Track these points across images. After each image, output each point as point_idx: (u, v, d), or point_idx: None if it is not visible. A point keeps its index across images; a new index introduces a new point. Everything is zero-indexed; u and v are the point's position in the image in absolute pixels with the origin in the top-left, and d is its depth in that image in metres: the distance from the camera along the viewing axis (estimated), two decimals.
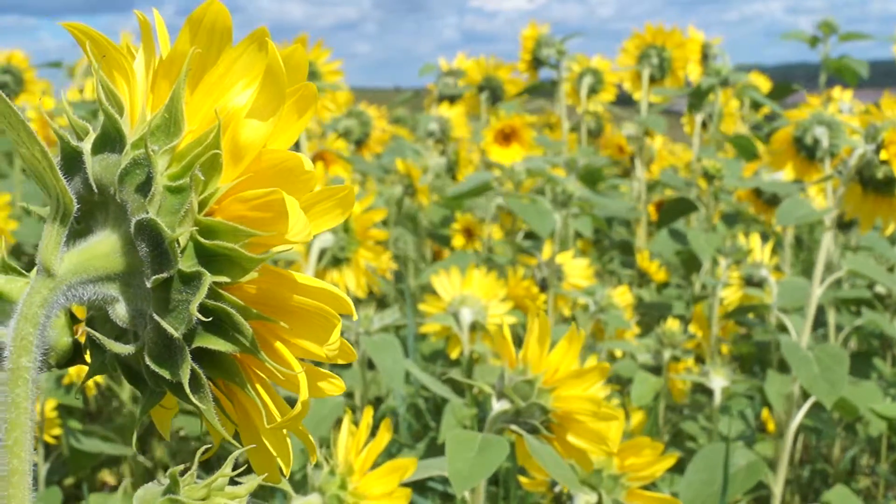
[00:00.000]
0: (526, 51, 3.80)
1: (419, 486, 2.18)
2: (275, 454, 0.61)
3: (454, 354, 2.47)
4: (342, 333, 1.68)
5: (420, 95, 4.92)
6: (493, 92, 4.08)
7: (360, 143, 3.52)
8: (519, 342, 1.27)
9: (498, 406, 1.26)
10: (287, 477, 1.51)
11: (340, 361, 0.59)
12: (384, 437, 1.19)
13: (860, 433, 2.50)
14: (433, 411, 2.56)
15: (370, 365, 2.32)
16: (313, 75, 2.82)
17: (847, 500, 2.03)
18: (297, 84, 0.55)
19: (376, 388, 2.49)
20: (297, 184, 0.54)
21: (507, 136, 3.42)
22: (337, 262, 2.25)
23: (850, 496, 2.04)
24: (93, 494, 2.19)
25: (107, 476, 2.61)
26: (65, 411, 2.29)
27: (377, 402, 2.52)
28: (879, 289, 2.60)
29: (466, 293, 2.45)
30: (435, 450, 2.19)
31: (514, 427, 1.25)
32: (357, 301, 2.73)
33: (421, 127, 3.76)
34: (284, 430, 0.60)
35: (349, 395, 2.39)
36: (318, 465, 1.20)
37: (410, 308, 2.74)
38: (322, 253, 2.20)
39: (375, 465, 1.20)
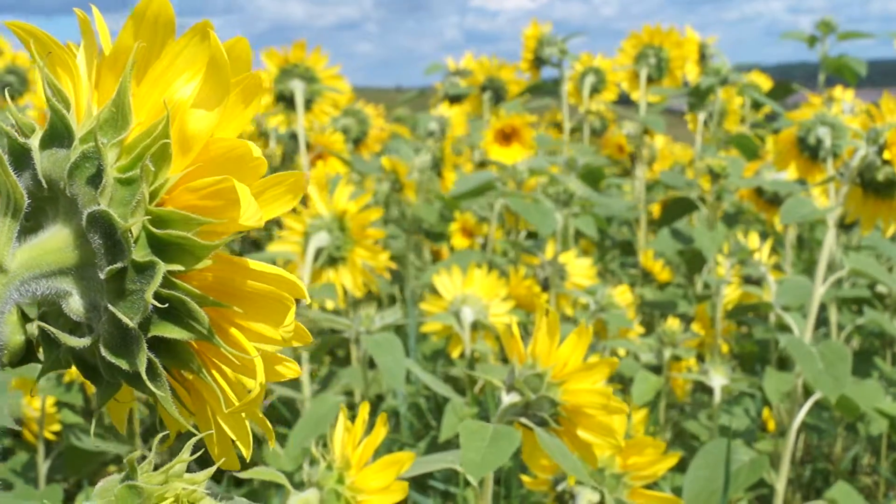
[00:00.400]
0: (528, 50, 3.81)
1: (420, 485, 2.18)
2: (235, 439, 0.61)
3: (455, 354, 2.47)
4: (342, 332, 1.68)
5: (425, 94, 4.93)
6: (495, 92, 4.08)
7: (357, 142, 3.53)
8: (524, 341, 1.28)
9: (507, 399, 1.28)
10: (291, 472, 1.51)
11: (296, 343, 0.60)
12: (381, 431, 1.19)
13: (861, 432, 2.49)
14: (434, 410, 2.56)
15: (371, 364, 2.32)
16: (313, 80, 2.83)
17: (850, 498, 2.03)
18: (241, 74, 0.56)
19: (377, 387, 2.49)
20: (247, 171, 0.54)
21: (507, 136, 3.42)
22: (333, 261, 2.25)
23: (853, 494, 2.04)
24: (90, 489, 2.19)
25: (112, 473, 2.61)
26: (64, 408, 2.29)
27: (378, 401, 2.52)
28: (880, 288, 2.60)
29: (468, 292, 2.45)
30: (436, 448, 2.18)
31: (523, 420, 1.26)
32: (357, 300, 2.72)
33: (421, 126, 3.76)
34: (243, 415, 0.61)
35: (349, 394, 2.39)
36: (313, 462, 1.21)
37: (411, 307, 2.74)
38: (318, 253, 2.20)
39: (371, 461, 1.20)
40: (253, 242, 3.20)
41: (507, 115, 3.43)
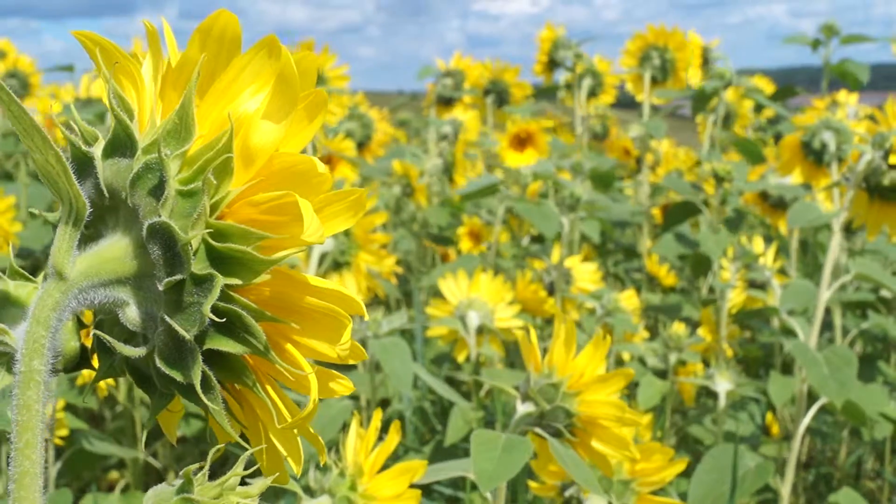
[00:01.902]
0: (543, 52, 3.81)
1: (426, 490, 2.19)
2: (285, 454, 0.61)
3: (461, 358, 2.48)
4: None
5: (418, 98, 4.92)
6: (499, 95, 4.08)
7: (361, 146, 3.52)
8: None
9: (522, 408, 1.27)
10: (299, 477, 1.52)
11: (352, 361, 0.60)
12: (394, 439, 1.19)
13: (865, 436, 2.50)
14: (439, 415, 2.56)
15: (377, 368, 2.32)
16: (320, 80, 2.82)
17: (854, 503, 2.03)
18: (307, 89, 0.56)
19: (383, 391, 2.49)
20: (310, 186, 0.54)
21: (522, 141, 3.42)
22: (338, 266, 2.25)
23: (858, 498, 2.04)
24: (94, 494, 2.20)
25: (116, 477, 2.62)
26: (71, 412, 2.29)
27: (384, 405, 2.52)
28: (884, 292, 2.60)
29: (473, 297, 2.45)
30: (441, 453, 2.19)
31: (537, 430, 1.26)
32: (364, 304, 2.73)
33: (433, 129, 3.76)
34: (295, 431, 0.61)
35: (354, 397, 2.40)
36: (324, 468, 1.21)
37: (418, 311, 2.75)
38: (322, 257, 2.21)
39: (382, 468, 1.20)
40: None
41: (522, 120, 3.43)
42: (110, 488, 2.57)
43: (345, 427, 1.85)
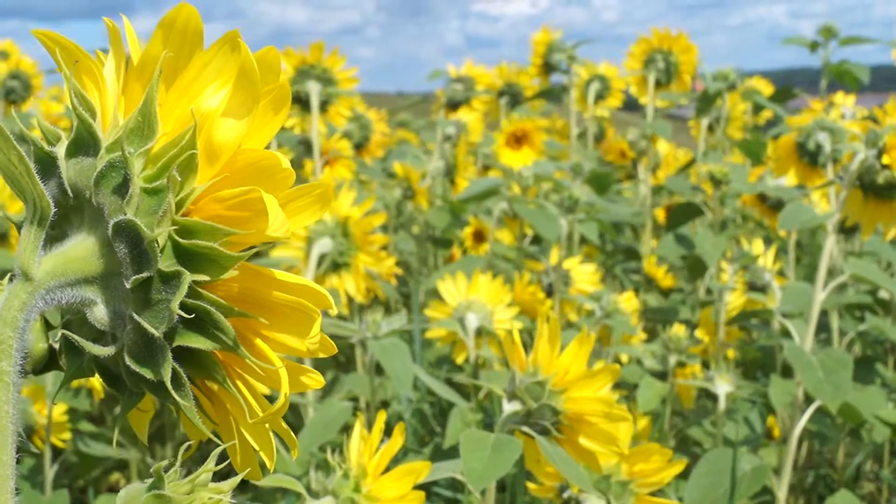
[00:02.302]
0: (537, 55, 3.82)
1: (425, 491, 2.19)
2: (258, 449, 0.62)
3: (460, 360, 2.48)
4: (350, 337, 1.68)
5: (427, 100, 4.95)
6: (513, 97, 4.09)
7: (359, 147, 3.52)
8: (526, 348, 1.28)
9: (509, 407, 1.28)
10: (301, 477, 1.52)
11: (321, 355, 0.60)
12: (398, 440, 1.20)
13: (864, 439, 2.49)
14: (438, 416, 2.56)
15: (377, 369, 2.33)
16: (330, 82, 2.83)
17: None
18: (271, 84, 0.56)
19: (382, 393, 2.50)
20: (275, 182, 0.54)
21: (518, 140, 3.42)
22: (336, 267, 2.26)
23: (856, 501, 2.03)
24: (101, 496, 2.21)
25: (116, 479, 2.63)
26: (72, 414, 2.30)
27: (383, 407, 2.53)
28: (882, 294, 2.60)
29: (472, 298, 2.46)
30: (440, 454, 2.19)
31: (524, 428, 1.27)
32: (363, 306, 2.73)
33: (437, 130, 3.76)
34: (267, 425, 0.61)
35: (354, 399, 2.40)
36: (328, 470, 1.21)
37: (417, 313, 2.75)
38: (321, 258, 2.21)
39: (385, 469, 1.21)
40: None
41: (518, 120, 3.44)
42: (111, 490, 2.58)
43: (345, 428, 1.86)
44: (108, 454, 2.17)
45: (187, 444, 0.62)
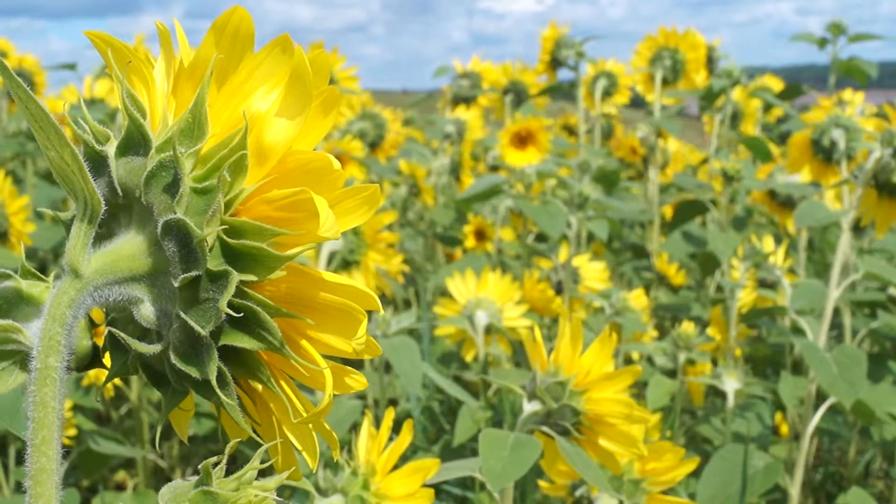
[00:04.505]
0: (545, 52, 3.81)
1: (434, 490, 2.18)
2: (301, 449, 0.61)
3: (469, 357, 2.48)
4: None
5: (433, 97, 4.94)
6: (518, 95, 4.09)
7: (374, 146, 3.52)
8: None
9: (529, 407, 1.27)
10: (310, 476, 1.53)
11: (367, 356, 0.60)
12: (406, 438, 1.19)
13: (875, 436, 2.49)
14: (447, 414, 2.56)
15: (386, 367, 2.32)
16: (331, 81, 2.83)
17: (864, 503, 2.02)
18: (320, 87, 0.56)
19: (391, 391, 2.50)
20: (325, 183, 0.54)
21: (523, 139, 3.41)
22: (347, 264, 2.26)
23: (868, 499, 2.03)
24: (106, 493, 2.20)
25: (122, 477, 2.62)
26: (78, 412, 2.30)
27: (392, 405, 2.52)
28: (892, 291, 2.59)
29: (481, 296, 2.45)
30: (449, 452, 2.19)
31: (544, 428, 1.26)
32: None
33: (437, 129, 3.76)
34: (310, 426, 0.61)
35: (362, 397, 2.40)
36: (336, 468, 1.21)
37: (425, 310, 2.75)
38: (332, 256, 2.21)
39: (394, 467, 1.20)
40: None
41: (523, 118, 3.43)
42: (117, 488, 2.57)
43: (354, 427, 1.86)
44: (119, 452, 2.17)
45: (232, 442, 0.61)
